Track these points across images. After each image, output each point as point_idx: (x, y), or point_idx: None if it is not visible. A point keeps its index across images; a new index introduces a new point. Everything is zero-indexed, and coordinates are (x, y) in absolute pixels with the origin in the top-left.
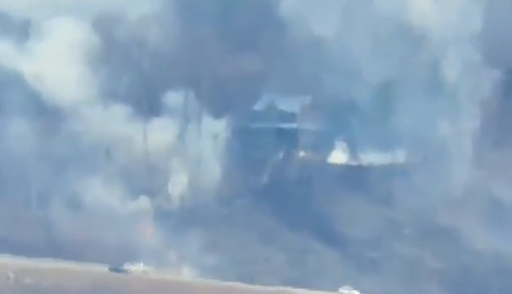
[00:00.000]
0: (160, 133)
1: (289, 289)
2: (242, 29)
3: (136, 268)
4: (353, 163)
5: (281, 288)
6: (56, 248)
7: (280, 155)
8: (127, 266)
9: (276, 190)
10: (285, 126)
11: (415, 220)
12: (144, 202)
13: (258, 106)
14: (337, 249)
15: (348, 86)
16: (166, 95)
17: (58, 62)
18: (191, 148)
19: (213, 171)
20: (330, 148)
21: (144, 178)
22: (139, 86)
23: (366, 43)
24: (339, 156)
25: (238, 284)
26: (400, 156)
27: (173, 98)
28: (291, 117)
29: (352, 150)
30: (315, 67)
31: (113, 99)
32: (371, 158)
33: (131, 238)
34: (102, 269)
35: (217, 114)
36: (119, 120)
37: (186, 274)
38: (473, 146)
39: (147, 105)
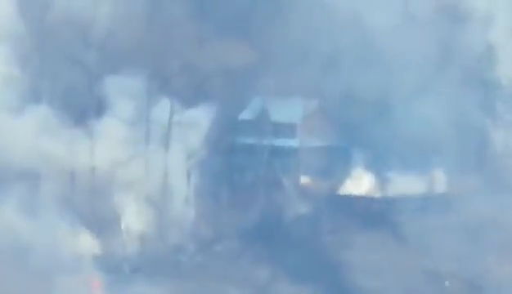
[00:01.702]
0: (110, 149)
1: None
2: (226, 9)
3: None
4: (376, 195)
5: None
6: None
7: (276, 183)
8: None
9: (269, 231)
10: (282, 142)
11: (459, 270)
12: (86, 245)
13: (246, 114)
14: None
15: (371, 83)
16: (119, 98)
17: None
18: (155, 171)
19: (185, 203)
20: (343, 173)
21: (85, 211)
22: (81, 85)
23: (396, 23)
24: (356, 184)
25: None
26: (440, 183)
27: (129, 102)
28: (290, 129)
29: (375, 176)
30: (323, 59)
31: (39, 101)
32: (401, 186)
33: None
34: None
35: (190, 125)
36: (48, 130)
37: None
38: None
39: (92, 110)
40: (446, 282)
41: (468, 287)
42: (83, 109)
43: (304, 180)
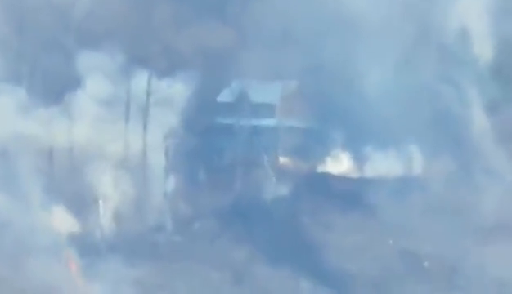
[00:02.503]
0: (87, 127)
1: None
2: None
3: None
4: (354, 175)
5: None
6: None
7: (255, 162)
8: None
9: (248, 211)
10: (261, 122)
11: (437, 250)
12: (63, 224)
13: (225, 96)
14: (332, 291)
15: (349, 65)
16: (97, 77)
17: None
18: (133, 150)
19: (164, 183)
20: (322, 152)
21: (63, 190)
22: (58, 65)
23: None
24: (334, 164)
25: None
26: (417, 164)
27: (107, 82)
28: (269, 110)
29: (353, 156)
30: (303, 38)
31: (17, 82)
32: (379, 167)
33: (44, 277)
34: None
35: (168, 106)
36: (26, 109)
37: None
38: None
39: (69, 89)
40: (425, 263)
41: (446, 268)
42: (61, 89)
43: (283, 159)
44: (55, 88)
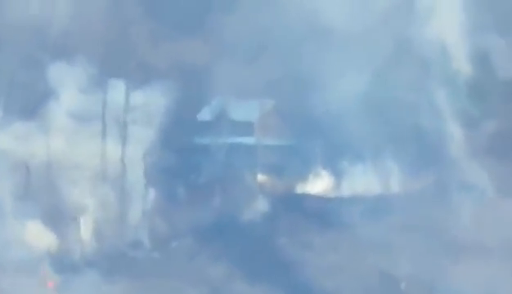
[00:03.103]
0: (65, 143)
1: None
2: (181, 6)
3: None
4: (332, 193)
5: None
6: None
7: (233, 181)
8: None
9: (227, 230)
10: (240, 140)
11: (414, 270)
12: (40, 241)
13: (205, 114)
14: None
15: (328, 84)
16: (71, 92)
17: None
18: (111, 166)
19: (142, 200)
20: (299, 171)
21: (40, 207)
22: (33, 81)
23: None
24: (312, 182)
25: None
26: (395, 183)
27: (85, 98)
28: (247, 128)
29: (332, 174)
30: (281, 57)
31: None
32: (357, 185)
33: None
34: None
35: (146, 122)
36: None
37: None
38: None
39: (46, 105)
40: (402, 284)
41: (423, 289)
42: (36, 103)
43: (261, 178)
44: (30, 103)
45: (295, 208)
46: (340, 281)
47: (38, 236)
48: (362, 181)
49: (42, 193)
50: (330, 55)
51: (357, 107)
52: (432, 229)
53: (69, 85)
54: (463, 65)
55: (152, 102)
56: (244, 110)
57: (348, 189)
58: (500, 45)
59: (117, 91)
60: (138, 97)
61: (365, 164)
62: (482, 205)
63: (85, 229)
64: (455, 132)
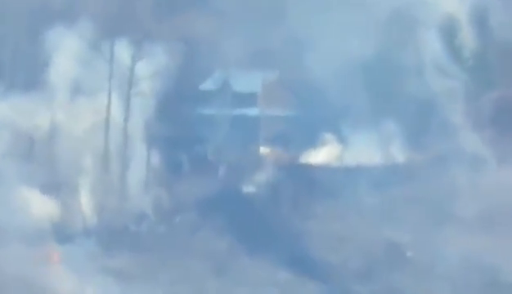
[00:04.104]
0: (69, 115)
1: None
2: None
3: None
4: (335, 164)
5: None
6: None
7: (237, 153)
8: None
9: (230, 202)
10: (243, 111)
11: (422, 240)
12: (43, 214)
13: (207, 85)
14: (314, 282)
15: (331, 53)
16: (78, 66)
17: None
18: (114, 140)
19: (145, 175)
20: (304, 142)
21: (44, 179)
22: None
23: None
24: (316, 153)
25: None
26: (399, 153)
27: (90, 71)
28: (250, 99)
29: (335, 144)
30: (283, 27)
31: None
32: (361, 155)
33: (22, 265)
34: None
35: (149, 95)
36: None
37: None
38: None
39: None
40: (408, 253)
41: (429, 258)
42: (39, 75)
43: (265, 149)
44: (33, 75)
45: (299, 179)
46: (345, 251)
47: (41, 207)
48: (366, 152)
49: (44, 165)
50: (331, 20)
51: (359, 75)
52: (435, 199)
53: (71, 56)
54: (469, 37)
55: (155, 73)
56: (247, 81)
57: (351, 159)
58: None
59: (121, 62)
60: (142, 68)
61: (368, 134)
62: (483, 175)
63: (87, 202)
64: (457, 103)
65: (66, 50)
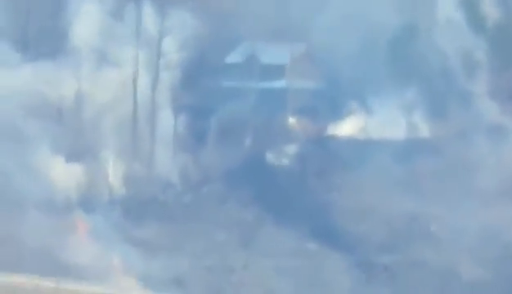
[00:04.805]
0: (97, 89)
1: None
2: None
3: None
4: (362, 136)
5: None
6: None
7: (263, 125)
8: None
9: (257, 173)
10: (270, 84)
11: (447, 213)
12: (70, 184)
13: (234, 58)
14: (340, 253)
15: (360, 24)
16: (109, 41)
17: None
18: (141, 111)
19: (171, 146)
20: (331, 114)
21: (71, 150)
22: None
23: None
24: (343, 125)
25: None
26: (422, 126)
27: (120, 46)
28: (278, 71)
29: (362, 117)
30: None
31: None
32: (388, 128)
33: (59, 238)
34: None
35: (176, 67)
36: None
37: (138, 289)
38: None
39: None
40: (432, 226)
41: (453, 232)
42: (65, 45)
43: (292, 121)
44: (56, 42)
45: (325, 151)
46: (369, 223)
47: (67, 177)
48: (390, 123)
49: (71, 134)
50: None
51: (386, 48)
52: (458, 172)
53: (96, 25)
54: (487, 3)
55: (182, 45)
56: (275, 54)
57: (376, 131)
58: None
59: (147, 32)
60: (168, 41)
61: (392, 105)
62: (506, 147)
63: (114, 171)
64: (479, 74)
65: (90, 19)
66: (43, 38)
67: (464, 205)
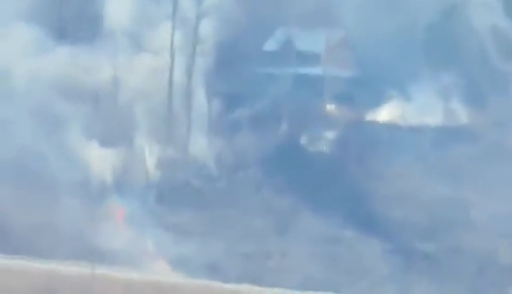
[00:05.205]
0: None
1: None
2: None
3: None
4: (400, 122)
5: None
6: None
7: (300, 110)
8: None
9: (294, 159)
10: (307, 70)
11: (486, 199)
12: (106, 170)
13: (270, 45)
14: (378, 240)
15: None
16: (144, 29)
17: None
18: (177, 99)
19: (207, 131)
20: (369, 101)
21: (107, 136)
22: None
23: None
24: (380, 112)
25: (245, 287)
26: (464, 115)
27: (153, 31)
28: (314, 58)
29: (400, 104)
30: None
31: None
32: (426, 114)
33: (94, 223)
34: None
35: (213, 54)
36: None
37: (172, 274)
38: None
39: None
40: (471, 212)
41: (492, 218)
42: (98, 31)
43: (329, 107)
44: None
45: (363, 137)
46: (408, 210)
47: (103, 162)
48: (428, 109)
49: (108, 119)
50: None
51: (428, 39)
52: (499, 158)
53: (131, 11)
54: None
55: (218, 33)
56: (311, 40)
57: (415, 117)
58: None
59: (184, 23)
60: (205, 28)
61: (431, 92)
62: None
63: (149, 157)
64: None
65: (126, 2)
66: (79, 23)
67: (503, 191)
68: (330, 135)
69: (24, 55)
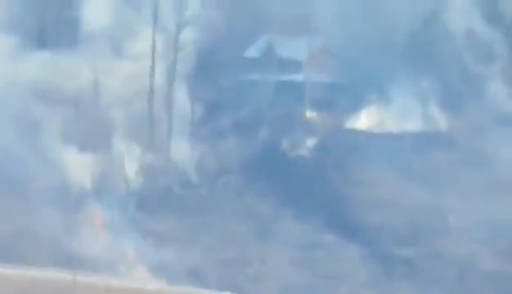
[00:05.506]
0: (115, 85)
1: None
2: None
3: None
4: (379, 130)
5: None
6: None
7: (281, 117)
8: None
9: (274, 165)
10: (288, 77)
11: (465, 205)
12: (86, 176)
13: (252, 52)
14: (358, 245)
15: (377, 18)
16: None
17: None
18: (158, 105)
19: (188, 137)
20: (349, 107)
21: (86, 143)
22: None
23: None
24: (360, 119)
25: None
26: (442, 121)
27: (131, 38)
28: (296, 65)
29: (379, 111)
30: None
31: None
32: (404, 121)
33: (73, 230)
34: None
35: (194, 61)
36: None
37: (153, 281)
38: None
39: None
40: (450, 218)
41: (471, 223)
42: (78, 38)
43: (309, 114)
44: (71, 35)
45: (343, 143)
46: (387, 216)
47: (84, 170)
48: (407, 115)
49: (87, 126)
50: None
51: (408, 46)
52: (477, 164)
53: (110, 16)
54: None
55: (200, 39)
56: (293, 48)
57: (394, 124)
58: None
59: (165, 29)
60: (186, 34)
61: (410, 99)
62: None
63: (130, 163)
64: (496, 68)
65: (106, 7)
66: (59, 28)
67: (482, 196)
68: (311, 141)
69: (2, 60)
